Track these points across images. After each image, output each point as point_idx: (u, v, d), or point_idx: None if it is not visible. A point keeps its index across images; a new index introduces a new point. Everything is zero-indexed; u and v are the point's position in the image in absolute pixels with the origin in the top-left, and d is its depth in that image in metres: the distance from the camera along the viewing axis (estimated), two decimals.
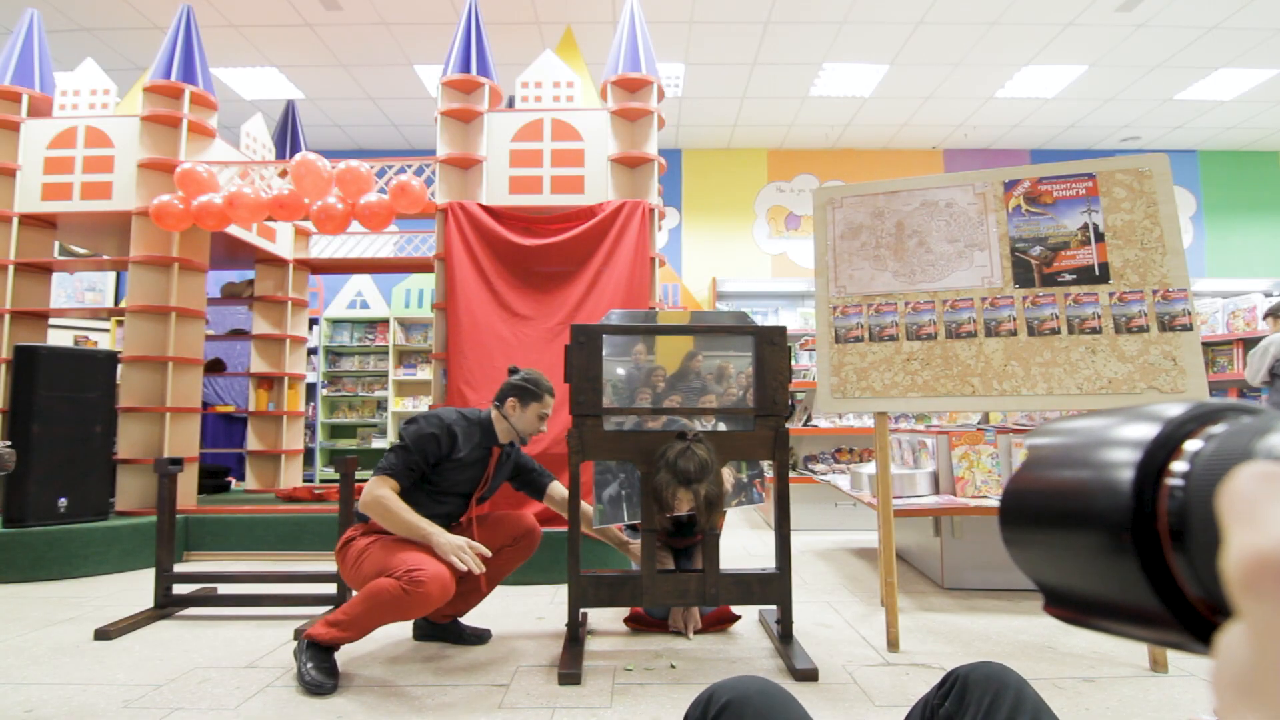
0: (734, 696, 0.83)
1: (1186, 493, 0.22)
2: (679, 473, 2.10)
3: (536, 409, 2.31)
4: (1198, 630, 0.23)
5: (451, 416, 2.24)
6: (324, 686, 1.94)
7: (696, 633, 2.48)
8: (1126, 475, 0.24)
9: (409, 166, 3.85)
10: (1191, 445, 0.23)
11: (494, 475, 2.35)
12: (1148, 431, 0.24)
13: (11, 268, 3.96)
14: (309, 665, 1.98)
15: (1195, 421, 0.24)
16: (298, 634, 2.43)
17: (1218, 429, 0.23)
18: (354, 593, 2.10)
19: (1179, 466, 0.23)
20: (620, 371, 2.46)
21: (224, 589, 2.90)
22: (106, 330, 6.96)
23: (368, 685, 2.01)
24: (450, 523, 2.27)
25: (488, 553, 2.04)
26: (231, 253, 4.79)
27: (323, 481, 6.84)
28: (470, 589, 2.33)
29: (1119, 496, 0.24)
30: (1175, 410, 0.25)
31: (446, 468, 2.21)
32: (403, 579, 1.92)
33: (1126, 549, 0.23)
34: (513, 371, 2.37)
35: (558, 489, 2.48)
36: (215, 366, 5.60)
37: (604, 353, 2.28)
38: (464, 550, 1.99)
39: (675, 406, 2.41)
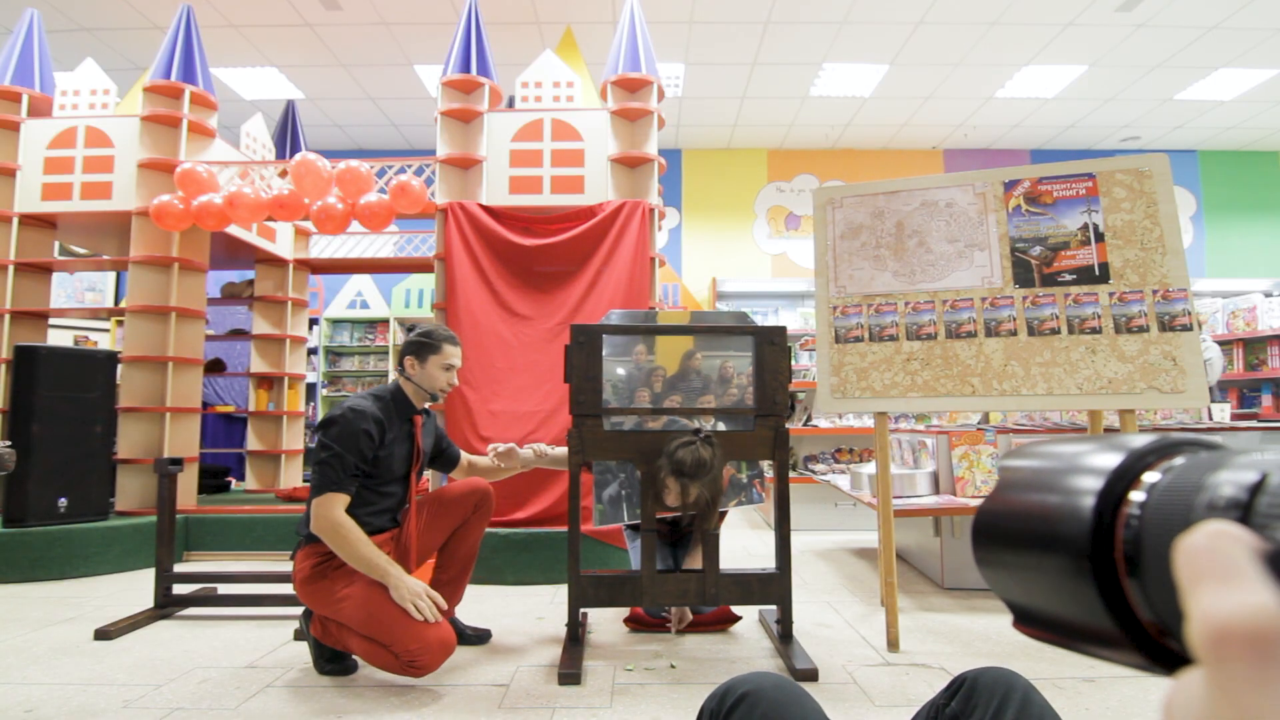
0: (750, 689, 0.85)
1: (1141, 522, 0.24)
2: (674, 462, 2.11)
3: (437, 361, 2.17)
4: (1149, 651, 0.24)
5: (368, 405, 2.07)
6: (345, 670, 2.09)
7: (697, 631, 2.49)
8: (1088, 503, 0.25)
9: (409, 166, 3.84)
10: (1150, 477, 0.25)
11: (424, 445, 2.26)
12: (1111, 461, 0.26)
13: (11, 268, 3.96)
14: (320, 658, 2.09)
15: (1156, 454, 0.25)
16: (297, 634, 2.44)
17: (1176, 462, 0.25)
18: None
19: (1137, 497, 0.24)
20: (620, 371, 2.46)
21: (224, 589, 2.90)
22: (106, 330, 6.96)
23: (367, 684, 2.01)
24: (400, 509, 2.19)
25: (444, 604, 1.95)
26: (231, 253, 4.79)
27: None
28: (452, 578, 2.33)
29: (1080, 523, 0.25)
30: (1139, 442, 0.26)
31: (382, 458, 2.09)
32: (402, 658, 1.88)
33: (1085, 573, 0.24)
34: (409, 330, 2.31)
35: (466, 456, 2.48)
36: (215, 366, 5.60)
37: (604, 353, 2.28)
38: (420, 598, 1.89)
39: (675, 406, 2.41)
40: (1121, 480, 0.25)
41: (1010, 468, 0.30)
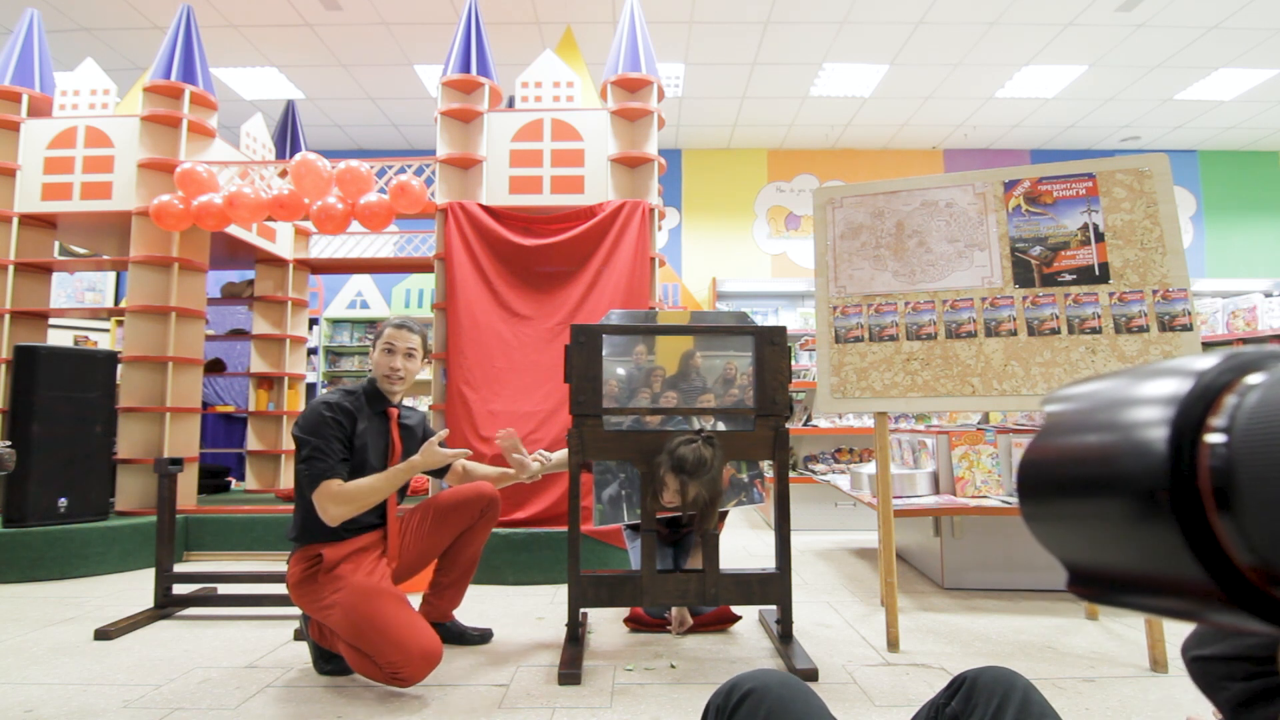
0: (756, 686, 0.85)
1: (1231, 449, 0.21)
2: (675, 459, 2.11)
3: (380, 345, 2.20)
4: (1248, 603, 0.21)
5: (335, 398, 2.12)
6: (344, 670, 2.08)
7: (697, 631, 2.49)
8: (1159, 434, 0.22)
9: (409, 166, 3.84)
10: (1230, 399, 0.22)
11: (402, 440, 2.22)
12: (1179, 387, 0.23)
13: (11, 268, 3.96)
14: (319, 658, 2.09)
15: (1231, 373, 0.22)
16: (297, 635, 2.44)
17: (1256, 379, 0.22)
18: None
19: (1218, 422, 0.21)
20: (620, 371, 2.46)
21: (224, 589, 2.90)
22: (106, 330, 6.96)
23: (368, 685, 2.01)
24: (383, 505, 2.14)
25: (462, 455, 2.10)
26: (231, 253, 4.79)
27: None
28: (453, 582, 2.33)
29: (1151, 457, 0.22)
30: (1205, 363, 0.23)
31: (358, 448, 2.08)
32: (385, 669, 1.88)
33: (1163, 513, 0.21)
34: None
35: (460, 461, 2.42)
36: (215, 366, 5.60)
37: (604, 353, 2.28)
38: (436, 450, 2.03)
39: (675, 406, 2.41)
40: (1199, 404, 0.22)
41: (1054, 411, 0.27)
